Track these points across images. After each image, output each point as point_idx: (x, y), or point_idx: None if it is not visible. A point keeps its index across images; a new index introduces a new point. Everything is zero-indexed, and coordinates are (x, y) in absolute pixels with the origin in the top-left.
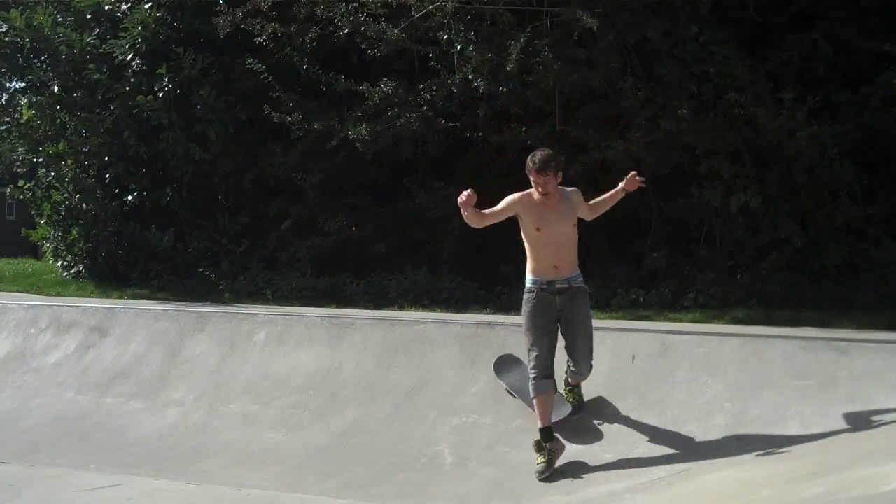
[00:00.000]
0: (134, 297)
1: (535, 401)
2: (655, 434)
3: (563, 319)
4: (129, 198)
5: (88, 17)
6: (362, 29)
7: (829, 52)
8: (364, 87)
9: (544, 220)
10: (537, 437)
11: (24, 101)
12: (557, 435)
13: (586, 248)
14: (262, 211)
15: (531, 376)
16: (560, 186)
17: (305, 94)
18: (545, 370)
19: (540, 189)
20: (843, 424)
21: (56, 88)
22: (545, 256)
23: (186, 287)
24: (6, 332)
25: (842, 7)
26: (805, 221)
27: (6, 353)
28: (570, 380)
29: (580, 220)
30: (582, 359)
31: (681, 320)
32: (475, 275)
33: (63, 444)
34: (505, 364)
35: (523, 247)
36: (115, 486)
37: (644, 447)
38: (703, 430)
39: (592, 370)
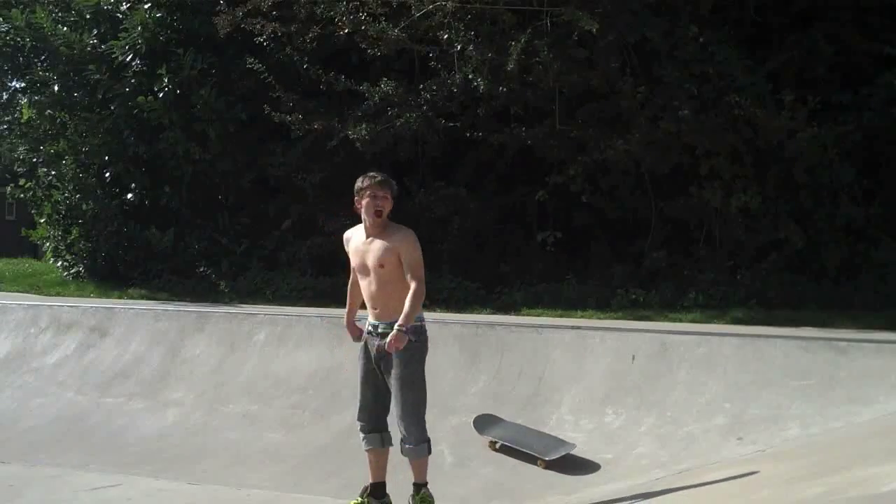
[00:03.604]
0: (134, 297)
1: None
2: (655, 434)
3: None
4: (129, 197)
5: (88, 17)
6: (362, 28)
7: (829, 52)
8: (364, 87)
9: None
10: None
11: (24, 101)
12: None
13: (586, 247)
14: (262, 211)
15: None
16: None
17: (305, 94)
18: (366, 421)
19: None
20: (843, 424)
21: (56, 88)
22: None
23: (186, 287)
24: (6, 332)
25: (842, 7)
26: (805, 221)
27: (6, 353)
28: (403, 452)
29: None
30: (403, 417)
31: (681, 320)
32: (475, 275)
33: (63, 444)
34: (484, 423)
35: (522, 247)
36: (115, 486)
37: (644, 447)
38: (703, 430)
39: (590, 373)
